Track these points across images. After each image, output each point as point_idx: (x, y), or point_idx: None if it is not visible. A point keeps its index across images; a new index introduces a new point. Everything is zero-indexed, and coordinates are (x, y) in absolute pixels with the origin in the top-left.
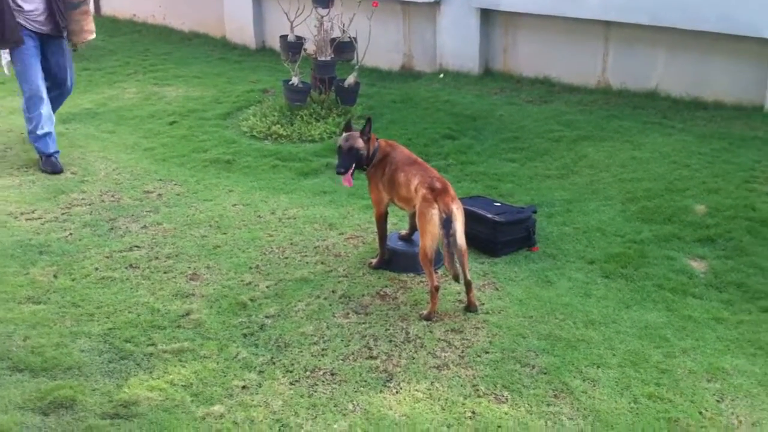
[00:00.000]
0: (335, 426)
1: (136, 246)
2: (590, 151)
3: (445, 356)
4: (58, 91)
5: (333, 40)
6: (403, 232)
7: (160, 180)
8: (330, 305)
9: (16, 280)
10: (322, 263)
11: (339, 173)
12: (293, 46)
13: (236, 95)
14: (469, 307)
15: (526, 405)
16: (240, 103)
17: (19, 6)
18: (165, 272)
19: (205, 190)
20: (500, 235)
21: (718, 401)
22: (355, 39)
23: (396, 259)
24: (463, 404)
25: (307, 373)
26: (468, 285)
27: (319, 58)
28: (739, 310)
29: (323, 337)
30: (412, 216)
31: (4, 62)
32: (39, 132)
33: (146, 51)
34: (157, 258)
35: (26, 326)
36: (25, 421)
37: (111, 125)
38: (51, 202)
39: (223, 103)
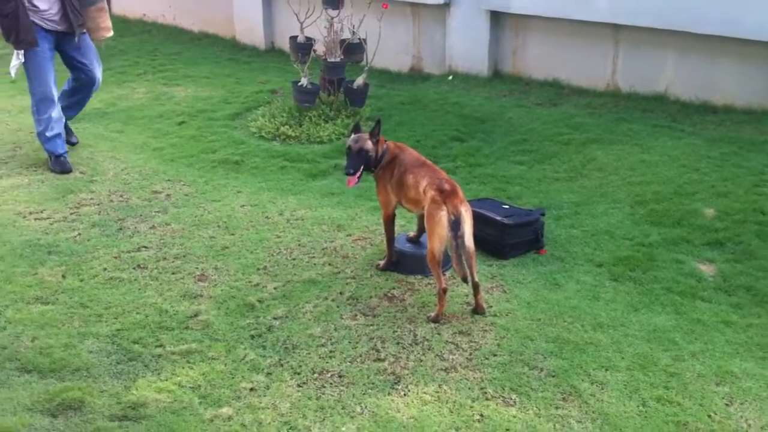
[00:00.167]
0: (343, 428)
1: (145, 246)
2: (599, 154)
3: (453, 359)
4: (87, 89)
5: (342, 41)
6: (411, 233)
7: (169, 180)
8: (338, 307)
9: (25, 280)
10: (329, 265)
11: (347, 174)
12: (303, 47)
13: (245, 96)
14: (477, 310)
15: (535, 408)
16: (249, 103)
17: (35, 6)
18: (173, 273)
19: (213, 191)
20: (508, 237)
21: (727, 405)
22: (364, 40)
23: (404, 260)
24: (471, 407)
25: (315, 375)
26: (476, 287)
27: (328, 60)
28: (748, 314)
29: (331, 339)
30: (420, 218)
31: (14, 63)
32: (48, 134)
33: (156, 51)
34: (165, 258)
35: (35, 327)
36: (33, 422)
37: (120, 125)
38: (60, 201)
39: (232, 104)
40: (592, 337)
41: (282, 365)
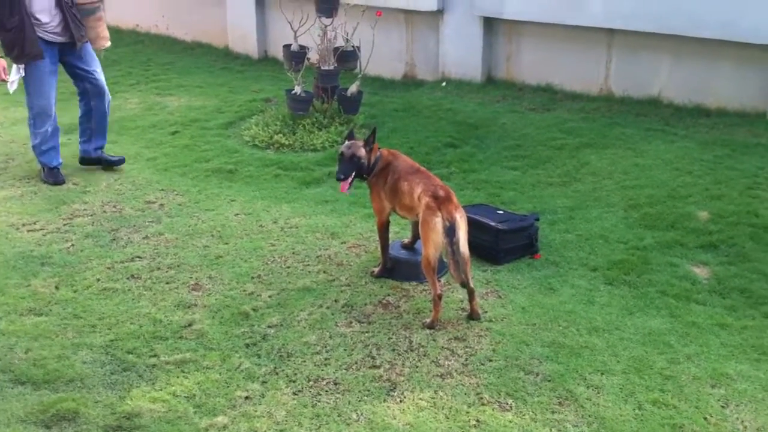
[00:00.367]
0: None
1: (138, 256)
2: (593, 158)
3: (448, 364)
4: (99, 104)
5: (336, 49)
6: (406, 240)
7: (162, 190)
8: (332, 314)
9: (18, 291)
10: (324, 272)
11: (338, 179)
12: (296, 56)
13: (239, 105)
14: (472, 315)
15: (531, 413)
16: (242, 112)
17: (37, 19)
18: (167, 283)
19: (207, 200)
20: (503, 242)
21: (722, 407)
22: (358, 48)
23: (398, 267)
24: (468, 413)
25: (310, 383)
26: (471, 293)
27: (322, 67)
28: (742, 316)
29: (326, 347)
30: (415, 224)
31: (14, 78)
32: (44, 147)
33: (149, 61)
34: (158, 268)
35: (28, 338)
36: None
37: (113, 135)
38: (53, 213)
39: (226, 113)
40: (587, 341)
41: (277, 373)
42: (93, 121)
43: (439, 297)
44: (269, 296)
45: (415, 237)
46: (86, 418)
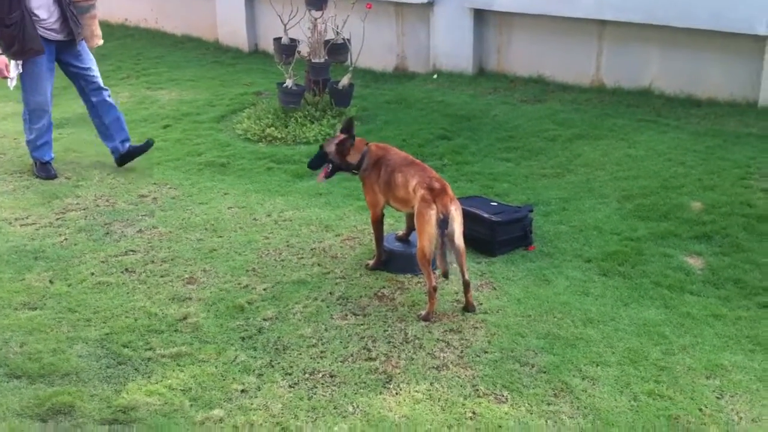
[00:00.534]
0: (335, 428)
1: (132, 250)
2: (585, 149)
3: (444, 356)
4: (100, 99)
5: (327, 42)
6: (400, 232)
7: (155, 184)
8: (328, 307)
9: (12, 286)
10: (318, 265)
11: (308, 167)
12: (287, 49)
13: (230, 98)
14: (468, 307)
15: (527, 404)
16: (234, 106)
17: (36, 15)
18: (161, 276)
19: (200, 194)
20: (497, 234)
21: (717, 398)
22: (348, 40)
23: (393, 260)
24: (463, 404)
25: (306, 375)
26: (466, 285)
27: (313, 60)
28: (736, 307)
29: (321, 339)
30: (410, 216)
31: (13, 74)
32: (39, 142)
33: (139, 55)
34: (153, 262)
35: (23, 332)
36: (23, 428)
37: None
38: (45, 207)
39: (217, 107)
40: (582, 332)
41: (273, 366)
42: (102, 116)
43: (435, 289)
44: (264, 289)
45: (410, 229)
46: (82, 412)
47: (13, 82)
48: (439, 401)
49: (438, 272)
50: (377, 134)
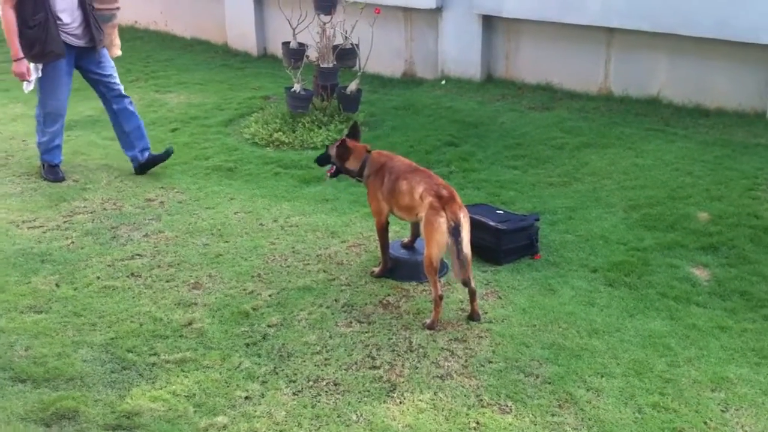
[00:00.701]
0: None
1: (138, 254)
2: (592, 158)
3: (448, 366)
4: (117, 101)
5: (335, 47)
6: (406, 240)
7: (162, 188)
8: (332, 314)
9: (18, 289)
10: (324, 272)
11: (314, 162)
12: (295, 53)
13: (238, 102)
14: (473, 316)
15: (531, 415)
16: (242, 110)
17: (59, 18)
18: (167, 281)
19: (206, 198)
20: (503, 243)
21: (722, 411)
22: (357, 46)
23: (399, 267)
24: (467, 414)
25: (310, 383)
26: (472, 294)
27: (321, 65)
28: (742, 319)
29: (326, 347)
30: (415, 224)
31: (32, 77)
32: (51, 145)
33: (148, 58)
34: (159, 266)
35: (28, 336)
36: None
37: (112, 132)
38: (53, 210)
39: (225, 110)
40: (587, 343)
41: (277, 373)
42: (124, 125)
43: (440, 298)
44: (269, 295)
45: (415, 236)
46: (86, 417)
47: (30, 86)
48: (442, 411)
49: (444, 280)
50: (385, 140)
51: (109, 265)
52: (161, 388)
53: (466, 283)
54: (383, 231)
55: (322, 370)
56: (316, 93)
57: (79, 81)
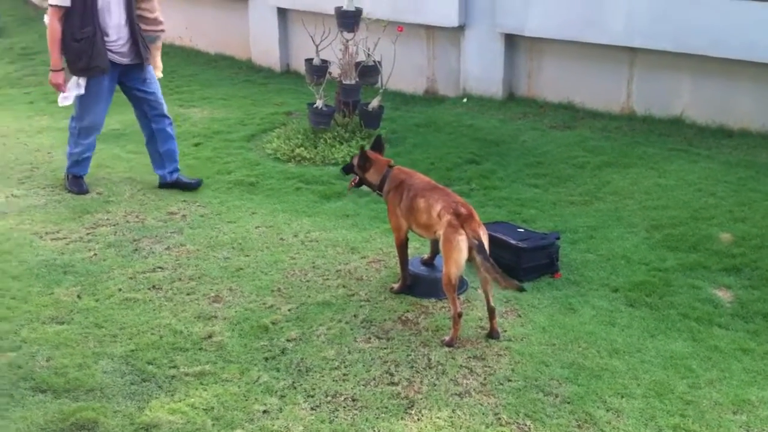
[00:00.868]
0: None
1: (160, 267)
2: (614, 177)
3: (467, 383)
4: (159, 121)
5: (358, 63)
6: (426, 256)
7: (184, 201)
8: (351, 330)
9: (41, 299)
10: (344, 287)
11: (341, 170)
12: (318, 70)
13: (261, 117)
14: (492, 334)
15: None
16: (264, 125)
17: (106, 35)
18: (188, 294)
19: (228, 212)
20: (523, 261)
21: None
22: (379, 63)
23: (418, 284)
24: None
25: (328, 398)
26: (491, 311)
27: (343, 82)
28: (765, 341)
29: (344, 362)
30: (435, 241)
31: (72, 93)
32: (81, 157)
33: (172, 72)
34: (180, 279)
35: (50, 346)
36: None
37: (136, 146)
38: (76, 222)
39: (248, 125)
40: (607, 363)
41: (295, 388)
42: (159, 145)
43: (459, 315)
44: (289, 310)
45: (435, 253)
46: (105, 428)
47: (67, 101)
48: (460, 429)
49: (463, 297)
50: (406, 157)
51: (130, 278)
52: (180, 401)
53: (520, 289)
54: (402, 247)
55: (340, 386)
56: (338, 109)
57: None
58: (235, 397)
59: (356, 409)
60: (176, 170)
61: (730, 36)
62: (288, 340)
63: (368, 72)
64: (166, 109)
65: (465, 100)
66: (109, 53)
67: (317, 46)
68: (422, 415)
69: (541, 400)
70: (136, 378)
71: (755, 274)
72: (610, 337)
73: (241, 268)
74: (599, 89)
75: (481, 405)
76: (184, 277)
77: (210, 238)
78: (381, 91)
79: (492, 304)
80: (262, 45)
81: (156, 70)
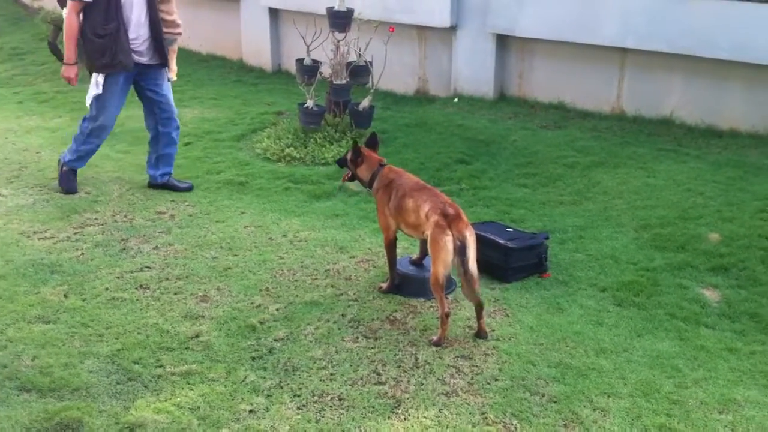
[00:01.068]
0: None
1: (147, 267)
2: (604, 177)
3: (454, 383)
4: (166, 124)
5: (349, 63)
6: (414, 256)
7: (173, 201)
8: (339, 329)
9: (27, 299)
10: (332, 286)
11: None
12: (309, 70)
13: (251, 117)
14: (480, 334)
15: None
16: (255, 125)
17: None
18: (175, 293)
19: (217, 212)
20: (512, 260)
21: None
22: (370, 63)
23: (406, 283)
24: None
25: (315, 397)
26: (479, 311)
27: (334, 82)
28: (752, 341)
29: (332, 362)
30: (423, 241)
31: (93, 93)
32: (85, 153)
33: None
34: (167, 279)
35: (35, 346)
36: None
37: (126, 145)
38: (64, 221)
39: (238, 125)
40: (594, 362)
41: (282, 387)
42: (159, 147)
43: (447, 315)
44: (276, 309)
45: (424, 253)
46: (90, 428)
47: (91, 100)
48: (447, 428)
49: (451, 297)
50: (396, 156)
51: (118, 277)
52: (166, 400)
53: (480, 304)
54: (391, 247)
55: (327, 385)
56: (328, 109)
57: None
58: (221, 397)
59: (343, 409)
60: (168, 174)
61: (722, 37)
62: (275, 340)
63: (359, 72)
64: (176, 113)
65: (456, 100)
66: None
67: (308, 46)
68: (409, 415)
69: (528, 399)
70: (121, 377)
71: (742, 274)
72: (597, 336)
73: (229, 268)
74: (590, 89)
75: (468, 404)
76: (171, 276)
77: (198, 238)
78: (372, 91)
79: (480, 304)
80: (254, 45)
81: (171, 73)
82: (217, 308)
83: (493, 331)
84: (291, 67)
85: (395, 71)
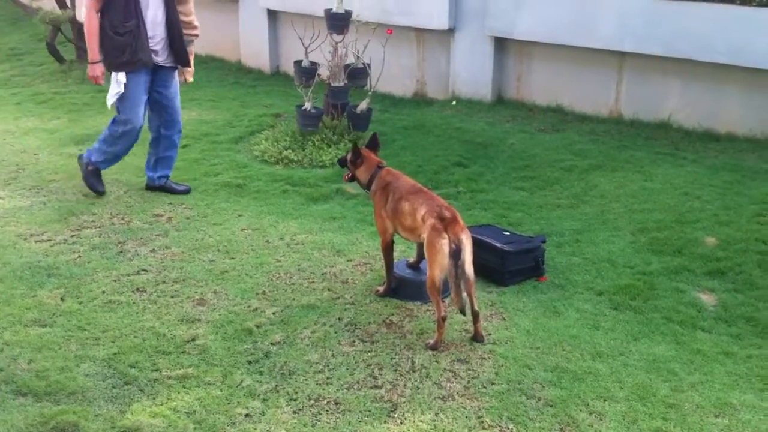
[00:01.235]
0: None
1: (144, 270)
2: (601, 181)
3: (450, 387)
4: (169, 127)
5: (347, 66)
6: (411, 259)
7: (171, 203)
8: (336, 333)
9: (24, 302)
10: (329, 290)
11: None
12: (307, 72)
13: (249, 119)
14: (476, 337)
15: None
16: (252, 127)
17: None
18: (172, 297)
19: (214, 214)
20: (509, 264)
21: None
22: (368, 65)
23: (403, 287)
24: None
25: (311, 401)
26: (475, 315)
27: (332, 84)
28: (748, 345)
29: (328, 366)
30: (420, 244)
31: (116, 91)
32: (114, 157)
33: None
34: (164, 282)
35: (32, 349)
36: None
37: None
38: (61, 224)
39: (236, 127)
40: (591, 366)
41: (278, 391)
42: (160, 149)
43: (444, 318)
44: (273, 313)
45: (420, 256)
46: None
47: (114, 99)
48: None
49: (448, 301)
50: (394, 159)
51: (114, 280)
52: (162, 404)
53: (462, 311)
54: (388, 250)
55: (323, 389)
56: (326, 111)
57: (93, 97)
58: (217, 401)
59: (339, 413)
60: (166, 177)
61: (720, 41)
62: (272, 344)
63: (357, 74)
64: (180, 117)
65: (454, 102)
66: None
67: (306, 48)
68: (405, 419)
69: (524, 403)
70: (118, 381)
71: (739, 278)
72: (593, 340)
73: (226, 271)
74: (588, 93)
75: (464, 408)
76: (168, 279)
77: (195, 241)
78: (370, 93)
79: (476, 307)
80: (252, 46)
81: (188, 74)
82: (214, 312)
83: (490, 334)
84: (289, 68)
85: (393, 73)
